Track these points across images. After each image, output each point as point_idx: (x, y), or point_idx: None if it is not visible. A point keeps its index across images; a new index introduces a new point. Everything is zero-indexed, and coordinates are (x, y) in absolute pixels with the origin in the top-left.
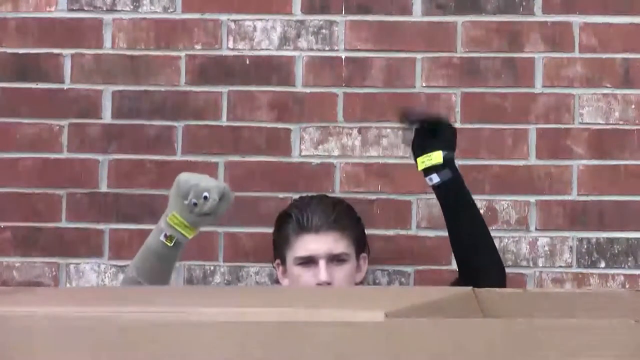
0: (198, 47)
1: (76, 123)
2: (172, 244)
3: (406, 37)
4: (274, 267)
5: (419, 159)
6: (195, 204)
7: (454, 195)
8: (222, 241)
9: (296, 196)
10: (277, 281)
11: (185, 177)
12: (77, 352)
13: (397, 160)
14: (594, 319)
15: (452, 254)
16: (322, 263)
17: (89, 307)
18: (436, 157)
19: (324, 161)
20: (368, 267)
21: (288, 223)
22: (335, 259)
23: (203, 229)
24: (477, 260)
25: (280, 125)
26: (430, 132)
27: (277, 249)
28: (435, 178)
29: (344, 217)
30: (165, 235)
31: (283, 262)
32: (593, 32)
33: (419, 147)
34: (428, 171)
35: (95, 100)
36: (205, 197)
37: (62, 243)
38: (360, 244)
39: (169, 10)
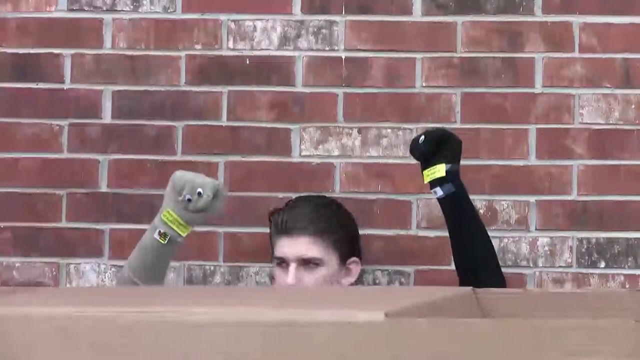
0: (198, 47)
1: (76, 123)
2: (165, 242)
3: (406, 37)
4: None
5: (425, 172)
6: (189, 200)
7: (455, 209)
8: (222, 241)
9: (296, 196)
10: (273, 278)
11: (179, 174)
12: (77, 352)
13: (397, 160)
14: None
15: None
16: (292, 267)
17: (89, 307)
18: (439, 170)
19: (324, 161)
20: (368, 267)
21: (273, 224)
22: (306, 263)
23: (202, 228)
24: (477, 273)
25: (280, 125)
26: (435, 145)
27: (271, 247)
28: (439, 191)
29: (325, 221)
30: (159, 233)
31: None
32: (593, 32)
33: (425, 160)
34: (433, 184)
35: (95, 100)
36: (199, 194)
37: (62, 243)
38: (348, 248)
39: (169, 10)
